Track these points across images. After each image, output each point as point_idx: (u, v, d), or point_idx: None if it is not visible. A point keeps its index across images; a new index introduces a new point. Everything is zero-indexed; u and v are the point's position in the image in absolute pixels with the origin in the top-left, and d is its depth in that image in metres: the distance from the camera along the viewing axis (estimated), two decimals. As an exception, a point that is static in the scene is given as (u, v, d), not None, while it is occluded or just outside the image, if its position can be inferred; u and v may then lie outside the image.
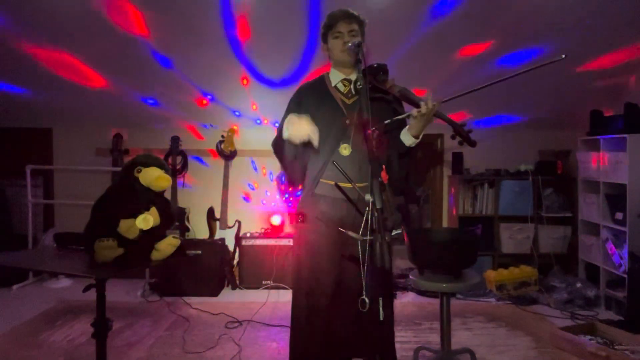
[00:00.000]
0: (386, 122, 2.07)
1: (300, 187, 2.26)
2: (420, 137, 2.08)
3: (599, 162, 3.85)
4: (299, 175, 2.19)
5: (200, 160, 4.79)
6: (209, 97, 4.29)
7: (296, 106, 2.13)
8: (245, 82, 4.08)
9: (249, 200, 4.80)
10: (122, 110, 4.52)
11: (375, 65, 2.15)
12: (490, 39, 3.61)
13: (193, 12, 3.19)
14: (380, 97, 2.13)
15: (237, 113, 4.58)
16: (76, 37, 3.30)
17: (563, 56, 1.84)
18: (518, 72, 1.91)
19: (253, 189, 4.81)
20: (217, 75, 3.96)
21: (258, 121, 4.64)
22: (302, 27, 3.35)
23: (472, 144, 2.09)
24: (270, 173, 4.76)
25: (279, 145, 2.12)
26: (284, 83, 4.04)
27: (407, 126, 2.09)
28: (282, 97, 2.17)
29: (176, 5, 3.13)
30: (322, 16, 3.06)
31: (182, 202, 4.48)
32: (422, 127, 2.03)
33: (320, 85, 2.19)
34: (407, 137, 2.09)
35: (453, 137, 2.08)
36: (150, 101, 4.28)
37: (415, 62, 3.76)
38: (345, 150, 2.08)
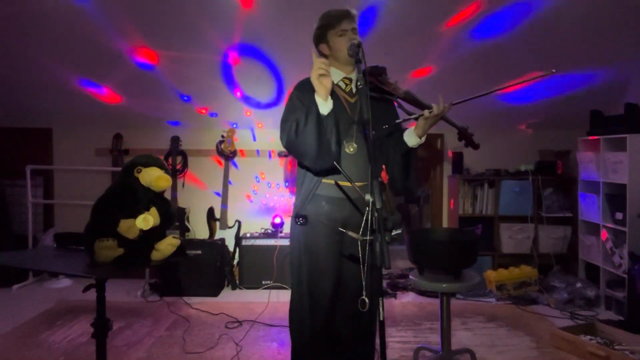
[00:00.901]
0: (398, 121, 2.10)
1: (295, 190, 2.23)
2: (424, 138, 2.09)
3: (599, 162, 3.85)
4: (331, 155, 1.95)
5: (200, 160, 4.79)
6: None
7: (300, 102, 2.02)
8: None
9: (250, 201, 4.80)
10: (123, 112, 4.55)
11: (378, 66, 2.15)
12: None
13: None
14: (383, 97, 2.12)
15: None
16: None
17: (554, 70, 1.87)
18: (509, 84, 2.02)
19: (253, 189, 4.81)
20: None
21: (252, 128, 4.76)
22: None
23: (476, 146, 2.15)
24: (269, 183, 4.78)
25: (300, 131, 1.92)
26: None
27: (412, 127, 2.10)
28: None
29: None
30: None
31: (182, 202, 4.48)
32: (429, 128, 2.06)
33: None
34: (411, 138, 2.09)
35: (459, 139, 2.15)
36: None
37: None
38: (351, 148, 2.07)
